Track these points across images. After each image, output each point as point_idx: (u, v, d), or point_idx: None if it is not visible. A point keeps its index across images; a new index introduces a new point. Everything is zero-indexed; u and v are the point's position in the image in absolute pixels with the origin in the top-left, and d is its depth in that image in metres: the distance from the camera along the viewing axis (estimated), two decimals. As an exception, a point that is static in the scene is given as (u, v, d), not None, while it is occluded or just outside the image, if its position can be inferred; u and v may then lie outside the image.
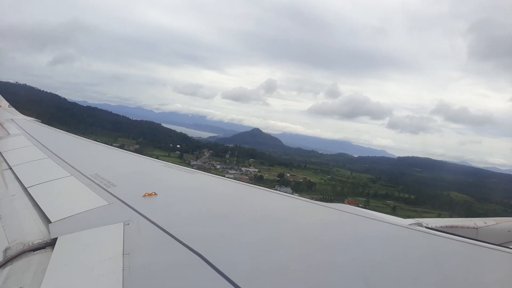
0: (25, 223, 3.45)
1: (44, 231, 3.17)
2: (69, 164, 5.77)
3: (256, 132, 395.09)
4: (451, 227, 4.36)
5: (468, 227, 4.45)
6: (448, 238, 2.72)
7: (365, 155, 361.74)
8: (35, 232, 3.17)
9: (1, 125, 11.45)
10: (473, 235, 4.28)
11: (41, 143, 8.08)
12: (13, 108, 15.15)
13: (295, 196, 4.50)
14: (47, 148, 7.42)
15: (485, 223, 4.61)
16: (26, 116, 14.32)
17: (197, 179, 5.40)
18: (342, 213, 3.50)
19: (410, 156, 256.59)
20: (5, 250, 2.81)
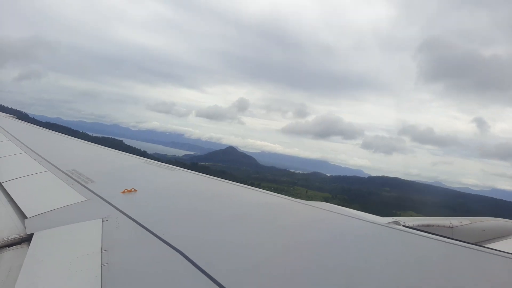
0: (0, 218, 3.35)
1: (20, 227, 3.08)
2: (46, 160, 5.62)
3: (230, 151, 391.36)
4: (428, 225, 4.43)
5: (444, 226, 4.56)
6: (424, 236, 2.80)
7: (342, 174, 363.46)
8: (10, 228, 3.06)
9: None
10: (449, 234, 4.39)
11: (17, 139, 7.87)
12: None
13: (278, 194, 4.38)
14: (23, 144, 7.22)
15: (461, 222, 4.70)
16: (1, 112, 14.24)
17: (177, 176, 5.32)
18: (323, 211, 3.52)
19: (380, 175, 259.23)
20: None
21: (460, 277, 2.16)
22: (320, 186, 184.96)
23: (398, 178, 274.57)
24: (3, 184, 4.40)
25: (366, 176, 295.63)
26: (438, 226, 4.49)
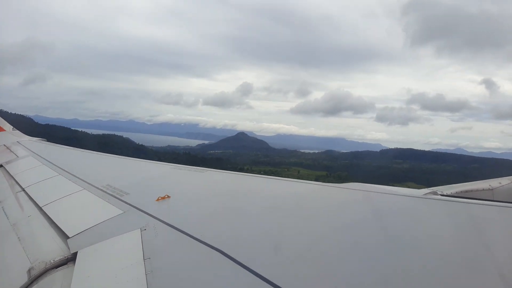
0: (44, 242, 3.49)
1: (64, 247, 3.21)
2: (80, 179, 5.74)
3: (241, 136, 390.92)
4: (466, 191, 4.36)
5: (483, 189, 4.47)
6: (465, 202, 2.77)
7: (359, 149, 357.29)
8: (55, 249, 3.19)
9: (9, 148, 11.50)
10: (489, 197, 4.37)
11: (50, 162, 7.97)
12: (18, 131, 15.22)
13: (310, 182, 4.37)
14: (57, 166, 7.31)
15: (500, 183, 4.62)
16: (31, 137, 14.35)
17: (207, 177, 5.41)
18: (358, 191, 3.47)
19: (393, 148, 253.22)
20: (29, 271, 2.83)
21: (507, 237, 2.13)
22: (328, 165, 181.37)
23: (411, 149, 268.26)
24: (43, 208, 4.50)
25: (378, 150, 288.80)
26: (477, 190, 4.36)
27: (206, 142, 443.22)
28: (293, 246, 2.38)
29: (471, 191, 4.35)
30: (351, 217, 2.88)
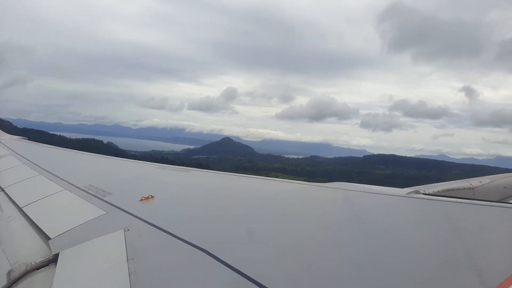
0: (24, 243, 3.44)
1: (45, 249, 3.15)
2: (61, 179, 5.68)
3: (226, 141, 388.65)
4: (448, 190, 4.43)
5: (464, 188, 4.56)
6: (446, 201, 2.83)
7: (344, 155, 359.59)
8: (36, 251, 3.13)
9: None
10: (470, 195, 4.43)
11: (30, 161, 7.84)
12: None
13: (294, 181, 4.37)
14: (38, 165, 7.20)
15: (481, 182, 4.72)
16: (12, 135, 14.11)
17: (192, 176, 5.38)
18: (342, 190, 3.49)
19: (375, 154, 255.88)
20: (9, 273, 2.77)
21: (486, 235, 2.16)
22: (310, 170, 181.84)
23: (394, 155, 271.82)
24: (23, 208, 4.43)
25: (362, 156, 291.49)
26: (458, 189, 4.46)
27: (192, 147, 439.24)
28: (277, 245, 2.36)
29: (453, 190, 4.40)
30: (335, 216, 2.90)
